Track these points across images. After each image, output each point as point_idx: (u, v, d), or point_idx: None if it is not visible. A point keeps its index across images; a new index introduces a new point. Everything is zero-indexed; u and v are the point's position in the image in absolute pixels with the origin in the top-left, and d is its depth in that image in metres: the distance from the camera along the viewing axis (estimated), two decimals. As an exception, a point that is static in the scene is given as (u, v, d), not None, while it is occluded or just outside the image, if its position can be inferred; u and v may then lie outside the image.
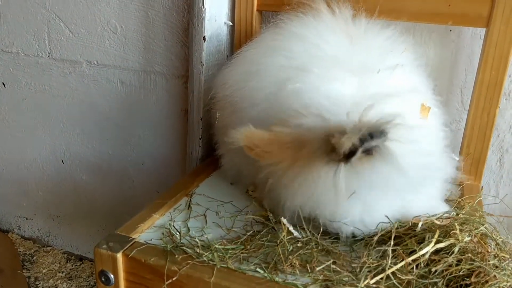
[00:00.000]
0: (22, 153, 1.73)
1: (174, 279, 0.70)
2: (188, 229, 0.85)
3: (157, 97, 1.43)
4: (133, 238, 0.79)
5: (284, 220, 0.77)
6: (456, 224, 0.72)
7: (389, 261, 0.69)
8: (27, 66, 1.59)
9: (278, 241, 0.74)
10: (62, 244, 1.84)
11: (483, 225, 0.74)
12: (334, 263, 0.71)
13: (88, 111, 1.56)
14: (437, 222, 0.74)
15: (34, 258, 1.79)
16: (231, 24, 1.19)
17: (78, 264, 1.77)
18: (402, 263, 0.70)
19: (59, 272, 1.72)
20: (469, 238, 0.71)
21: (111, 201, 1.66)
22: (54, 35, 1.51)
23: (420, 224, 0.73)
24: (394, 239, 0.72)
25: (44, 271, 1.72)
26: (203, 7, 1.10)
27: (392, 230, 0.72)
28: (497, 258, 0.70)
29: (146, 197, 1.58)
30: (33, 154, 1.72)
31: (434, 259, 0.70)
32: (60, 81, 1.56)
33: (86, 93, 1.54)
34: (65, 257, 1.80)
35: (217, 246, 0.74)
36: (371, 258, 0.71)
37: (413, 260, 0.71)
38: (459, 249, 0.71)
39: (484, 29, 0.98)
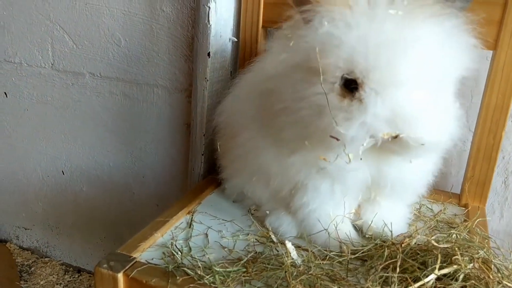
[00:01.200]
0: (22, 163, 1.73)
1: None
2: (190, 249, 0.83)
3: (159, 110, 1.43)
4: (134, 258, 0.78)
5: (288, 244, 0.76)
6: (456, 248, 0.71)
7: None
8: (29, 77, 1.59)
9: (283, 266, 0.72)
10: (61, 255, 1.83)
11: (482, 249, 0.73)
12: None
13: (90, 123, 1.55)
14: (435, 244, 0.73)
15: (32, 269, 1.77)
16: (236, 40, 1.19)
17: (76, 276, 1.75)
18: (408, 290, 0.68)
19: (57, 284, 1.70)
20: (472, 265, 0.69)
21: (110, 213, 1.65)
22: (57, 46, 1.50)
23: (414, 241, 0.72)
24: (392, 258, 0.71)
25: (41, 282, 1.70)
26: (209, 23, 1.10)
27: (398, 256, 0.71)
28: (501, 285, 0.69)
29: (146, 210, 1.57)
30: (33, 165, 1.71)
31: (437, 285, 0.69)
32: (62, 93, 1.56)
33: (89, 105, 1.53)
34: (63, 268, 1.79)
35: (218, 268, 0.73)
36: (375, 284, 0.70)
37: (418, 287, 0.69)
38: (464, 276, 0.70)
39: (492, 52, 0.97)
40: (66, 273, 1.76)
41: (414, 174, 0.84)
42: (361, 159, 0.74)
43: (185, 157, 1.42)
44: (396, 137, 0.70)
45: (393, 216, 0.88)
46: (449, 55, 0.73)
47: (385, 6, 0.70)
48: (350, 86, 0.71)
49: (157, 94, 1.42)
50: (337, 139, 0.70)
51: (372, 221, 0.88)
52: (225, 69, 1.20)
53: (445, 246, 0.75)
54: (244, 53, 1.17)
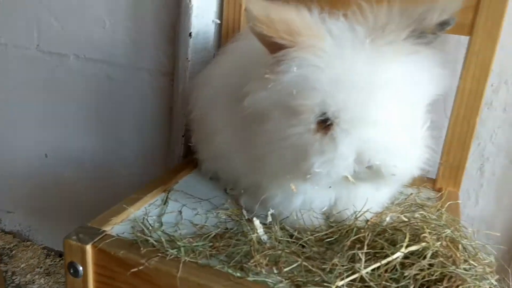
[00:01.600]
0: (6, 146, 1.72)
1: (140, 268, 0.70)
2: (162, 224, 0.84)
3: (143, 93, 1.42)
4: (104, 231, 0.79)
5: (256, 221, 0.76)
6: (425, 227, 0.72)
7: (363, 264, 0.68)
8: (15, 58, 1.57)
9: (247, 240, 0.73)
10: (42, 239, 1.82)
11: (449, 229, 0.74)
12: (303, 264, 0.70)
13: (74, 106, 1.54)
14: (405, 219, 0.74)
15: (13, 252, 1.76)
16: (218, 22, 1.19)
17: (57, 260, 1.75)
18: (375, 266, 0.69)
19: (37, 267, 1.70)
20: (440, 243, 0.70)
21: (94, 197, 1.64)
22: (43, 27, 1.50)
23: (387, 218, 0.73)
24: (363, 237, 0.71)
25: (22, 265, 1.69)
26: (190, 3, 1.10)
27: (367, 234, 0.71)
28: (466, 263, 0.70)
29: (128, 194, 1.56)
30: (16, 147, 1.70)
31: (405, 262, 0.70)
32: (47, 75, 1.55)
33: (73, 87, 1.52)
34: (45, 252, 1.78)
35: (184, 241, 0.73)
36: (343, 260, 0.71)
37: (386, 263, 0.70)
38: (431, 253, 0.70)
39: (468, 37, 0.98)
40: (47, 257, 1.76)
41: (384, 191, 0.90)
42: (330, 187, 0.78)
43: (168, 140, 1.42)
44: (370, 167, 0.73)
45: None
46: (419, 89, 0.76)
47: (354, 47, 0.73)
48: (326, 122, 0.73)
49: (141, 77, 1.41)
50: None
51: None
52: (208, 50, 1.20)
53: (413, 222, 0.77)
54: (227, 35, 1.17)
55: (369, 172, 0.73)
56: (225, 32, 1.17)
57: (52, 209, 1.75)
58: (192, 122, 1.07)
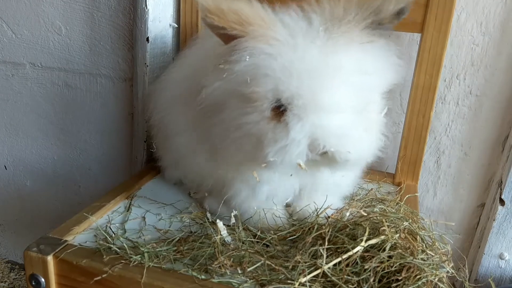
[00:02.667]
0: (-38, 159, 1.66)
1: (103, 276, 0.69)
2: (125, 231, 0.83)
3: (103, 100, 1.40)
4: (66, 241, 0.77)
5: (219, 223, 0.77)
6: (384, 220, 0.74)
7: (324, 260, 0.70)
8: (-33, 68, 1.53)
9: (211, 242, 0.73)
10: (6, 253, 1.77)
11: (407, 221, 0.77)
12: (267, 263, 0.71)
13: (32, 115, 1.51)
14: (364, 213, 0.76)
15: (-25, 268, 1.71)
16: (176, 26, 1.18)
17: (22, 273, 1.70)
18: (336, 261, 0.71)
19: (1, 282, 1.65)
20: (398, 235, 0.72)
21: (57, 208, 1.61)
22: (-5, 35, 1.46)
23: (347, 214, 0.75)
24: (325, 233, 0.73)
25: (-16, 282, 1.64)
26: (146, 7, 1.09)
27: (327, 230, 0.73)
28: (424, 253, 0.73)
29: (93, 202, 1.54)
30: (-26, 160, 1.64)
31: (366, 256, 0.72)
32: (2, 84, 1.50)
33: (30, 96, 1.49)
34: (9, 266, 1.73)
35: (148, 247, 0.73)
36: (305, 256, 0.72)
37: (347, 258, 0.72)
38: (390, 245, 0.72)
39: (420, 35, 1.01)
40: (12, 271, 1.71)
41: (346, 177, 0.90)
42: (291, 175, 0.80)
43: (130, 147, 1.41)
44: (324, 153, 0.74)
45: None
46: (373, 76, 0.77)
47: (307, 36, 0.74)
48: (280, 109, 0.74)
49: (101, 84, 1.39)
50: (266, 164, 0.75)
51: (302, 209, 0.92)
52: (166, 55, 1.20)
53: (373, 216, 0.79)
54: (185, 39, 1.17)
55: (323, 158, 0.74)
56: (183, 36, 1.17)
57: (14, 222, 1.70)
58: (152, 128, 1.06)
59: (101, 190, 1.52)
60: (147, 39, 1.11)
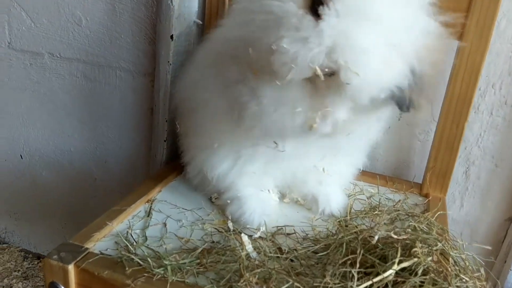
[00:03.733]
0: (-21, 147, 1.65)
1: (126, 294, 0.67)
2: (146, 239, 0.81)
3: (122, 94, 1.38)
4: (87, 248, 0.75)
5: (244, 237, 0.74)
6: (416, 240, 0.71)
7: (355, 283, 0.67)
8: (-15, 56, 1.51)
9: (238, 258, 0.71)
10: (19, 241, 1.77)
11: (440, 242, 0.73)
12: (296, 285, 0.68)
13: (50, 106, 1.49)
14: (394, 236, 0.72)
15: (-11, 256, 1.71)
16: (201, 23, 1.15)
17: (36, 262, 1.70)
18: (367, 284, 0.68)
19: (15, 271, 1.65)
20: (431, 258, 0.69)
21: (71, 199, 1.60)
22: (14, 24, 1.43)
23: (376, 238, 0.71)
24: (353, 253, 0.70)
25: (-2, 269, 1.64)
26: (172, 4, 1.05)
27: (358, 252, 0.70)
28: (458, 278, 0.69)
29: (108, 197, 1.53)
30: (-10, 148, 1.64)
31: (397, 280, 0.69)
32: (20, 73, 1.48)
33: (48, 86, 1.47)
34: (22, 255, 1.73)
35: (171, 258, 0.71)
36: (334, 278, 0.69)
37: (378, 281, 0.69)
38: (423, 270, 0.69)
39: (457, 42, 0.97)
40: (25, 259, 1.71)
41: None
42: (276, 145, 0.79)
43: (149, 143, 1.38)
44: (331, 74, 0.66)
45: (334, 188, 0.95)
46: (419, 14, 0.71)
47: None
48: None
49: (120, 77, 1.37)
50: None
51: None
52: (190, 53, 1.16)
53: (404, 237, 0.75)
54: (209, 36, 1.14)
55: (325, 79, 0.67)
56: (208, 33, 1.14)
57: (29, 211, 1.70)
58: (178, 105, 1.02)
59: (117, 184, 1.50)
60: (171, 36, 1.07)
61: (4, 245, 1.77)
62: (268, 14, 0.67)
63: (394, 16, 0.67)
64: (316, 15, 0.65)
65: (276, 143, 0.79)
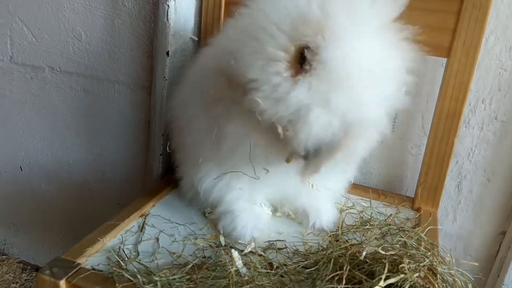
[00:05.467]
0: (-21, 159, 1.67)
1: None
2: (138, 254, 0.82)
3: (120, 107, 1.40)
4: (79, 264, 0.76)
5: (234, 253, 0.75)
6: (404, 256, 0.72)
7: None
8: (-13, 69, 1.53)
9: (226, 273, 0.72)
10: (18, 253, 1.78)
11: (428, 258, 0.74)
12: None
13: (49, 118, 1.51)
14: (382, 252, 0.73)
15: (-12, 267, 1.72)
16: (196, 39, 1.17)
17: (34, 274, 1.71)
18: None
19: (13, 283, 1.66)
20: (418, 274, 0.70)
21: (70, 211, 1.61)
22: (16, 39, 1.46)
23: (364, 253, 0.72)
24: (341, 268, 0.71)
25: (-3, 281, 1.66)
26: (168, 21, 1.08)
27: (345, 268, 0.71)
28: (445, 294, 0.70)
29: (106, 208, 1.54)
30: (-10, 160, 1.66)
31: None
32: (21, 86, 1.51)
33: (48, 99, 1.49)
34: (21, 266, 1.74)
35: (161, 274, 0.72)
36: (321, 293, 0.70)
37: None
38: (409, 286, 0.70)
39: (446, 59, 0.98)
40: (24, 271, 1.72)
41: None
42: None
43: (146, 156, 1.40)
44: None
45: (325, 203, 0.96)
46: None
47: None
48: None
49: (118, 91, 1.39)
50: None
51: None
52: (186, 68, 1.18)
53: (392, 253, 0.76)
54: (205, 52, 1.16)
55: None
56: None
57: (28, 223, 1.71)
58: (171, 128, 1.04)
59: (115, 197, 1.52)
60: (167, 53, 1.10)
61: (3, 256, 1.78)
62: (259, 52, 0.70)
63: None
64: (300, 67, 0.69)
65: (254, 168, 0.81)
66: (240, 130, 0.78)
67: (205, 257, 0.82)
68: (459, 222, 1.19)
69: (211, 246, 0.86)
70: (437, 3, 0.93)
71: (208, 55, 0.93)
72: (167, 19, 1.07)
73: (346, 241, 0.85)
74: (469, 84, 0.96)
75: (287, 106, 0.69)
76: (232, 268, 0.73)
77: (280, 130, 0.72)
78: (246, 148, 0.78)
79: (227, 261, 0.77)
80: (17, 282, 1.66)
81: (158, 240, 0.87)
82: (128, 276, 0.72)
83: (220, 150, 0.83)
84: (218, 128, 0.80)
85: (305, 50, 0.68)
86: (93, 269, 0.76)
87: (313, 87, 0.68)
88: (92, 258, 0.79)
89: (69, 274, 0.73)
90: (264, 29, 0.71)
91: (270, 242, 0.88)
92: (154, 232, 0.90)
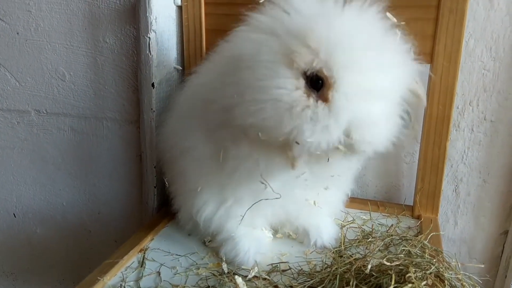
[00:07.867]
0: (-30, 209, 1.64)
1: None
2: (140, 291, 0.80)
3: (110, 143, 1.39)
4: (80, 307, 0.74)
5: (238, 279, 0.74)
6: (409, 265, 0.71)
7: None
8: (-28, 118, 1.52)
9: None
10: (16, 302, 1.74)
11: (433, 264, 0.73)
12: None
13: (39, 162, 1.49)
14: (387, 263, 0.72)
15: (-15, 319, 1.67)
16: (180, 68, 1.17)
17: (36, 323, 1.67)
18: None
19: (14, 334, 1.61)
20: (425, 282, 0.69)
21: (67, 253, 1.58)
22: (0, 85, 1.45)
23: (369, 267, 0.71)
24: (348, 284, 0.70)
25: (-5, 333, 1.61)
26: (150, 53, 1.08)
27: (352, 283, 0.69)
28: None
29: (104, 247, 1.52)
30: (-19, 209, 1.63)
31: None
32: (8, 132, 1.50)
33: (36, 143, 1.48)
34: (22, 316, 1.69)
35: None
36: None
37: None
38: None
39: (429, 65, 0.99)
40: (24, 321, 1.68)
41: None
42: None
43: (140, 189, 1.39)
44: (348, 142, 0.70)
45: (324, 219, 0.96)
46: (405, 68, 0.75)
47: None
48: (317, 84, 0.68)
49: (107, 127, 1.38)
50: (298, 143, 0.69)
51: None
52: (172, 98, 1.18)
53: (398, 263, 0.75)
54: (190, 80, 1.16)
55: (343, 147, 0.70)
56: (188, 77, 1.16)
57: (25, 270, 1.67)
58: (164, 160, 1.04)
59: (112, 234, 1.49)
60: (153, 84, 1.10)
61: (2, 307, 1.73)
62: (277, 102, 0.68)
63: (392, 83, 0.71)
64: (314, 88, 0.68)
65: (263, 182, 0.80)
66: (246, 150, 0.77)
67: (209, 286, 0.80)
68: (460, 226, 1.19)
69: (214, 275, 0.85)
70: (415, 11, 0.95)
71: (195, 85, 0.93)
72: (149, 51, 1.07)
73: (350, 256, 0.84)
74: (455, 88, 0.97)
75: (337, 123, 0.68)
76: (237, 295, 0.72)
77: (342, 148, 0.70)
78: (252, 168, 0.78)
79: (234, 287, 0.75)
80: (18, 333, 1.61)
81: (159, 274, 0.86)
82: (133, 315, 0.70)
83: (223, 174, 0.82)
84: (224, 150, 0.80)
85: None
86: (96, 311, 0.74)
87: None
88: (93, 300, 0.77)
89: (71, 319, 0.71)
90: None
91: (274, 265, 0.87)
92: (155, 266, 0.89)
